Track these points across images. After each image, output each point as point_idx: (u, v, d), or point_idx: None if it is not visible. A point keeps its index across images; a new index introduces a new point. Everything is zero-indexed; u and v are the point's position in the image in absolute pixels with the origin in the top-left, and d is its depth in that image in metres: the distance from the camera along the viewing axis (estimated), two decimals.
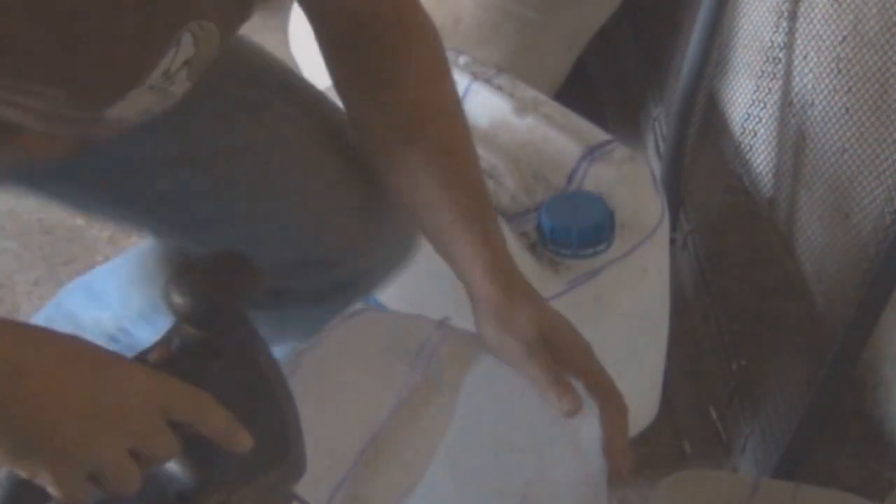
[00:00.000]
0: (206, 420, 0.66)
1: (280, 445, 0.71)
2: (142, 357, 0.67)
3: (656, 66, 1.98)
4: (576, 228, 1.25)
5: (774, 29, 1.47)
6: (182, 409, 0.65)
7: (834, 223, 1.32)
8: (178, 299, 0.65)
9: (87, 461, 0.63)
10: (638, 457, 0.86)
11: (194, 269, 0.66)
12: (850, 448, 1.32)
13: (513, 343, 0.86)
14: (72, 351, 0.64)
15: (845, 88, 1.28)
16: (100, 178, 0.98)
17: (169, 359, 0.66)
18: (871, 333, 1.20)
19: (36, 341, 0.63)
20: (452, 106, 1.00)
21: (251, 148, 0.98)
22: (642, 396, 1.45)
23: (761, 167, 1.55)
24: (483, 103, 1.42)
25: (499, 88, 1.44)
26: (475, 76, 1.45)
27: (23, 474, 0.63)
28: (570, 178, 1.33)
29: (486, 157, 1.35)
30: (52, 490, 0.63)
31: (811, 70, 1.38)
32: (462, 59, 1.49)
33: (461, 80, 1.45)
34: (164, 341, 0.67)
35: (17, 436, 0.61)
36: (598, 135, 1.37)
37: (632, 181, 1.33)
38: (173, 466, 0.67)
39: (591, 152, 1.34)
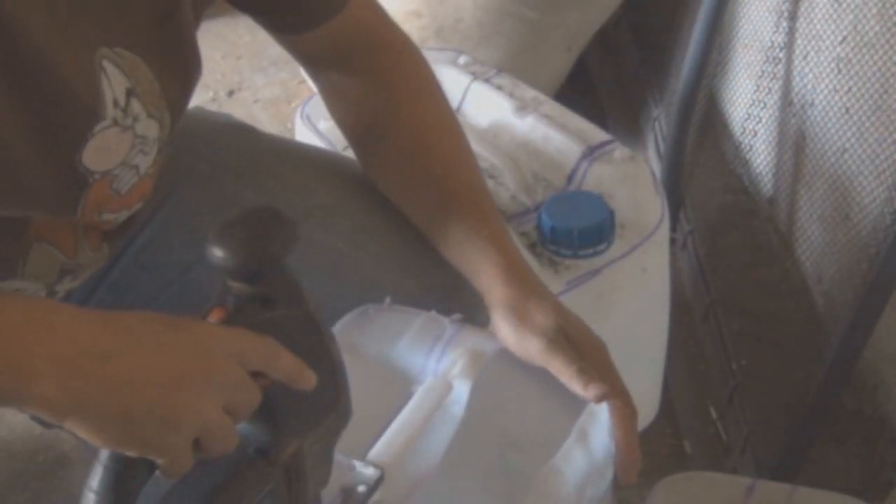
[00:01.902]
0: (277, 364, 0.68)
1: (333, 389, 0.73)
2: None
3: (656, 66, 1.98)
4: (576, 228, 1.25)
5: (774, 29, 1.47)
6: (256, 357, 0.67)
7: (834, 223, 1.32)
8: (224, 254, 0.66)
9: (193, 425, 0.64)
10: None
11: (233, 226, 0.67)
12: (850, 448, 1.32)
13: (532, 339, 0.86)
14: (147, 322, 0.66)
15: (845, 88, 1.28)
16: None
17: (228, 316, 0.68)
18: (871, 333, 1.20)
19: (117, 322, 0.65)
20: (446, 121, 1.01)
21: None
22: (642, 396, 1.43)
23: (761, 167, 1.55)
24: (483, 103, 1.43)
25: (499, 88, 1.44)
26: (475, 76, 1.45)
27: (131, 454, 0.63)
28: (570, 178, 1.33)
29: (486, 156, 1.35)
30: (162, 462, 0.64)
31: (811, 70, 1.38)
32: (462, 59, 1.49)
33: (461, 80, 1.45)
34: (219, 301, 0.68)
35: (122, 418, 0.62)
36: (598, 135, 1.37)
37: (632, 181, 1.33)
38: (245, 426, 0.69)
39: (591, 152, 1.34)
